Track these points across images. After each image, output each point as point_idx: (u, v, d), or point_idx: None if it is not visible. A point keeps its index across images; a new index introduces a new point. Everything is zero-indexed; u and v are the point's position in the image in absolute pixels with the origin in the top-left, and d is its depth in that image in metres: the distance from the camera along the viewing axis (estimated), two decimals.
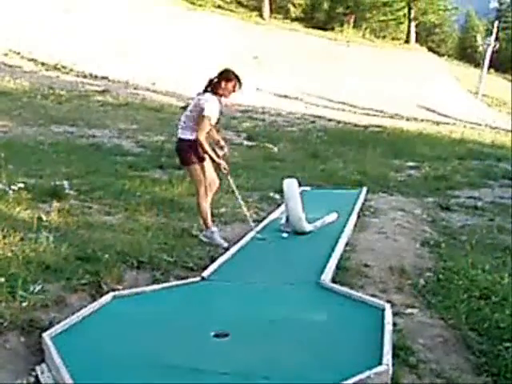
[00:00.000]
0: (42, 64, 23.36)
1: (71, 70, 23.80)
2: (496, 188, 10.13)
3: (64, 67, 23.73)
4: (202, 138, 5.44)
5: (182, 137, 5.61)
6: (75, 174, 8.00)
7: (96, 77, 23.60)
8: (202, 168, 5.63)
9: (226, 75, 5.58)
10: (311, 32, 42.06)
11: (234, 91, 5.62)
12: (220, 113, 5.70)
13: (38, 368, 3.16)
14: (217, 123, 5.77)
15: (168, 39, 29.96)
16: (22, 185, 6.56)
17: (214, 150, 5.70)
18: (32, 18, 25.54)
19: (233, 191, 6.20)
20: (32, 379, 3.07)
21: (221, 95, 5.58)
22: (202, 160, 5.59)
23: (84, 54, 24.97)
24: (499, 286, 4.60)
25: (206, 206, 5.73)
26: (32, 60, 23.47)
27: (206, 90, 5.58)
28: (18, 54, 23.59)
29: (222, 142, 5.90)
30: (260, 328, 3.67)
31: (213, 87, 5.56)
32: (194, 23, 32.62)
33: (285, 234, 6.12)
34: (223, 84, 5.53)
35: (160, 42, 29.34)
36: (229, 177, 5.97)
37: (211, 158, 5.60)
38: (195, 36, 31.36)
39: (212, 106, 5.46)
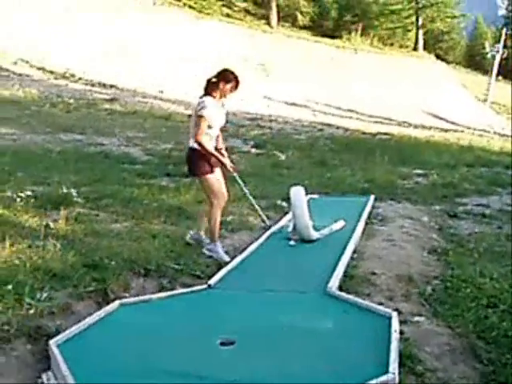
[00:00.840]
0: (51, 72, 23.53)
1: (80, 78, 23.96)
2: (504, 195, 10.06)
3: (73, 75, 23.90)
4: (201, 138, 5.24)
5: (191, 145, 5.40)
6: (83, 181, 8.03)
7: (104, 85, 23.75)
8: (214, 178, 5.44)
9: (225, 76, 5.40)
10: (319, 40, 42.20)
11: (232, 92, 5.45)
12: (224, 115, 5.53)
13: (44, 375, 3.16)
14: (223, 129, 5.66)
15: (176, 47, 30.12)
16: (29, 192, 6.60)
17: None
18: (42, 28, 25.73)
19: (244, 194, 6.21)
20: None
21: (220, 96, 5.41)
22: (212, 170, 5.41)
23: (93, 63, 25.14)
24: (507, 294, 4.57)
25: (219, 217, 5.53)
26: (41, 69, 23.64)
27: (205, 91, 5.39)
28: (27, 62, 23.77)
29: (224, 151, 5.66)
30: (266, 336, 3.66)
31: (211, 88, 5.37)
32: (203, 31, 32.81)
33: (292, 242, 6.11)
34: (221, 85, 5.35)
35: (168, 50, 29.49)
36: (238, 177, 5.91)
37: (216, 157, 5.40)
38: (203, 44, 31.51)
39: (207, 107, 5.25)
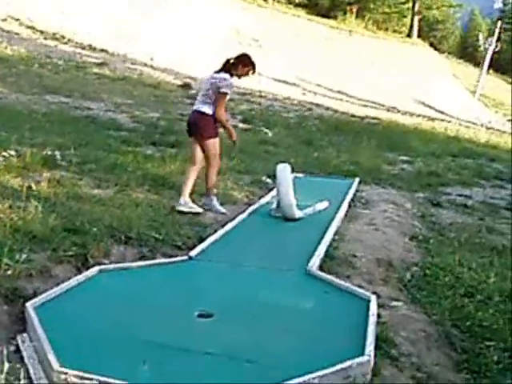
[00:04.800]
0: (41, 32, 23.08)
1: (70, 40, 23.54)
2: (487, 188, 10.12)
3: (63, 37, 23.47)
4: (222, 112, 5.89)
5: (202, 110, 5.90)
6: (68, 145, 7.93)
7: (94, 49, 23.39)
8: (217, 142, 5.99)
9: (244, 60, 5.96)
10: (313, 19, 41.81)
11: (246, 75, 6.02)
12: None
13: (19, 337, 3.14)
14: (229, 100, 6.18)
15: (169, 16, 29.69)
16: (13, 152, 6.50)
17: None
18: None
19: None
20: (12, 348, 3.05)
21: (235, 76, 5.93)
22: (217, 135, 5.97)
23: (83, 26, 24.73)
24: (484, 284, 4.60)
25: (216, 176, 6.15)
26: (31, 28, 23.19)
27: (221, 69, 5.91)
28: (17, 20, 23.28)
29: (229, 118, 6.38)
30: (244, 311, 3.67)
31: (229, 67, 5.90)
32: (197, 2, 32.33)
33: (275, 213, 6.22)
34: (240, 67, 5.91)
35: (161, 19, 29.07)
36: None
37: (228, 129, 6.11)
38: (196, 14, 31.08)
39: (229, 85, 5.82)
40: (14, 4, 23.61)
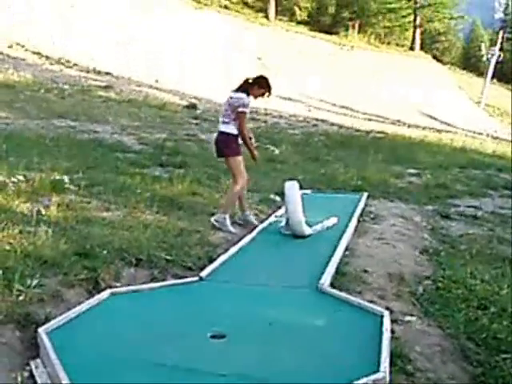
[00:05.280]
0: (46, 57, 23.35)
1: (75, 64, 23.80)
2: (496, 198, 10.10)
3: (68, 61, 23.74)
4: (245, 131, 6.20)
5: (223, 130, 6.22)
6: (76, 168, 7.96)
7: (99, 72, 23.62)
8: (241, 159, 6.29)
9: (260, 82, 6.24)
10: (316, 35, 42.10)
11: (261, 97, 6.31)
12: None
13: (32, 363, 3.13)
14: None
15: (173, 37, 29.95)
16: (22, 177, 6.53)
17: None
18: (38, 12, 25.52)
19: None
20: (26, 374, 3.04)
21: (251, 95, 6.18)
22: (240, 152, 6.27)
23: (88, 50, 24.97)
24: (498, 296, 4.57)
25: (238, 195, 6.35)
26: (36, 53, 23.45)
27: (239, 88, 6.19)
28: (23, 46, 23.57)
29: (251, 135, 6.56)
30: (257, 330, 3.65)
31: (246, 87, 6.18)
32: (200, 22, 32.62)
33: (285, 231, 6.21)
34: (255, 88, 6.19)
35: (165, 40, 29.32)
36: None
37: (249, 147, 6.35)
38: (200, 35, 31.34)
39: (245, 104, 6.09)
40: (19, 31, 23.89)
